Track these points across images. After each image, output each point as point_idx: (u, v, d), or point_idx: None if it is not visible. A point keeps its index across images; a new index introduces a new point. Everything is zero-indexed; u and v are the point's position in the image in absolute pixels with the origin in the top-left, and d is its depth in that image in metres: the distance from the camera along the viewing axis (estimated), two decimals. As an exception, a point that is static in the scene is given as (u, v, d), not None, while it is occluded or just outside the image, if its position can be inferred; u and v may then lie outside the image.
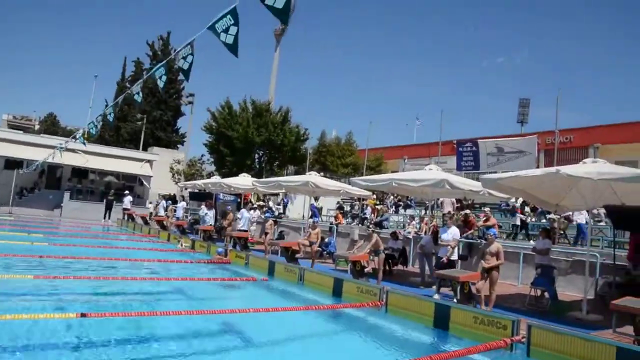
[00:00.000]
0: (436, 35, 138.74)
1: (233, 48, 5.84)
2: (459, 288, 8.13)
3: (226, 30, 5.84)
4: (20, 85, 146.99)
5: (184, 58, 7.38)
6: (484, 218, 14.83)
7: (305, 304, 9.28)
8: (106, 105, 55.25)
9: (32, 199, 31.16)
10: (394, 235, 14.26)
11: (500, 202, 19.02)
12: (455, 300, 8.27)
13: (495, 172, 18.57)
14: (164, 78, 8.47)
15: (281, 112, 37.51)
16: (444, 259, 9.98)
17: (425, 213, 18.99)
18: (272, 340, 6.83)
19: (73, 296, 8.17)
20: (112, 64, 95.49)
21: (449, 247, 9.89)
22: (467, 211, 15.76)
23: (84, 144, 13.34)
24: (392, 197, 25.95)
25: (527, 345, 6.41)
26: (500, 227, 17.50)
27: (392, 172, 46.38)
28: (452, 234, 10.09)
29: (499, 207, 20.43)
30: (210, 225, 20.33)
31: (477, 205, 20.24)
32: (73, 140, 15.09)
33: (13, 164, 29.72)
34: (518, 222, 16.42)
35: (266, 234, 16.99)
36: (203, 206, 21.39)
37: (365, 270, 11.35)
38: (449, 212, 12.78)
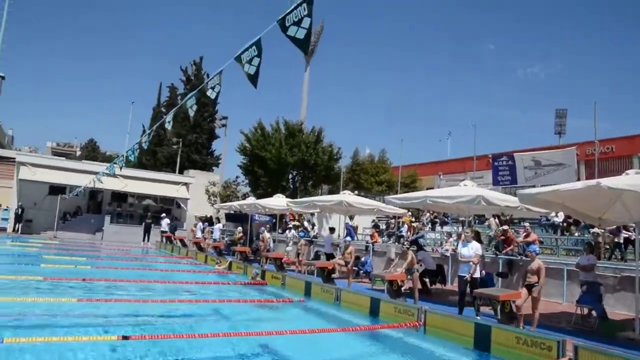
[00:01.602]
0: (467, 47, 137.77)
1: (253, 79, 5.95)
2: (499, 307, 7.92)
3: (250, 61, 5.96)
4: (62, 114, 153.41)
5: (212, 88, 7.61)
6: (524, 234, 14.49)
7: (342, 325, 9.21)
8: (143, 132, 56.87)
9: (75, 223, 32.17)
10: (418, 249, 14.18)
11: (540, 217, 18.55)
12: (496, 320, 8.06)
13: (534, 186, 18.20)
14: (195, 107, 8.75)
15: (314, 132, 37.77)
16: (467, 277, 9.45)
17: (463, 229, 18.70)
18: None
19: (115, 318, 8.37)
20: (148, 90, 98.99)
21: (471, 263, 9.41)
22: (506, 227, 15.42)
23: (113, 174, 13.84)
24: (428, 214, 25.64)
25: (573, 367, 6.17)
26: (541, 242, 17.06)
27: (427, 188, 46.02)
28: (473, 249, 9.52)
29: (539, 221, 19.92)
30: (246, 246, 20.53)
31: (517, 220, 19.79)
32: (113, 166, 15.66)
33: (57, 189, 30.87)
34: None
35: (299, 254, 17.02)
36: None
37: (403, 289, 11.22)
38: (469, 226, 12.42)
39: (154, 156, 47.82)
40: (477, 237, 12.08)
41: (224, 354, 6.67)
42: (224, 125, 43.69)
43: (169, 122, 10.00)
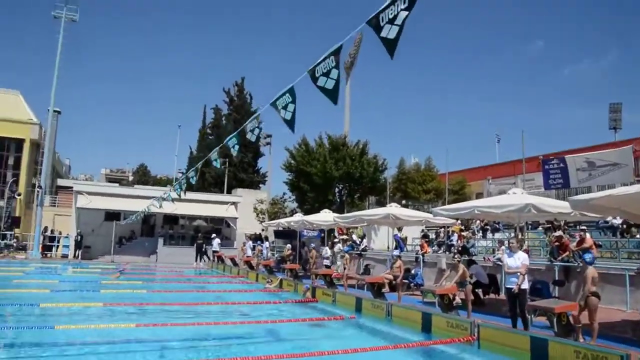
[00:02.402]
0: (512, 46, 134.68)
1: (290, 124, 6.26)
2: (555, 320, 7.70)
3: (285, 107, 6.24)
4: (114, 140, 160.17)
5: (252, 131, 7.94)
6: (578, 240, 14.00)
7: (394, 342, 9.18)
8: (190, 154, 58.39)
9: (130, 247, 33.51)
10: (470, 263, 13.93)
11: (598, 220, 17.86)
12: (553, 332, 7.84)
13: (589, 187, 17.55)
14: (237, 147, 9.13)
15: (358, 146, 37.88)
16: (514, 288, 9.10)
17: (515, 236, 18.25)
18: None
19: (172, 343, 8.66)
20: (193, 113, 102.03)
21: (519, 274, 9.13)
22: (560, 233, 14.93)
23: (172, 200, 14.49)
24: (478, 221, 25.14)
25: (640, 383, 5.92)
26: (599, 246, 16.42)
27: (477, 194, 45.17)
28: (520, 259, 9.22)
29: (596, 224, 19.17)
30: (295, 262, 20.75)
31: (572, 224, 19.12)
32: (165, 195, 16.45)
33: (112, 215, 32.31)
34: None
35: (344, 268, 17.03)
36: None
37: (454, 303, 11.07)
38: (515, 236, 12.04)
39: (201, 177, 49.09)
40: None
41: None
42: (268, 144, 44.41)
43: (215, 159, 10.46)
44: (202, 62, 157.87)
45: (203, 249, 31.07)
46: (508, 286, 9.15)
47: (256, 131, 7.82)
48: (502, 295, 14.23)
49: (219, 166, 10.88)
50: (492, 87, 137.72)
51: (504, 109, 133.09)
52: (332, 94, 5.26)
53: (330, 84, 5.26)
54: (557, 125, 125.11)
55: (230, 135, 9.30)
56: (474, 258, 16.16)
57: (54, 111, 34.92)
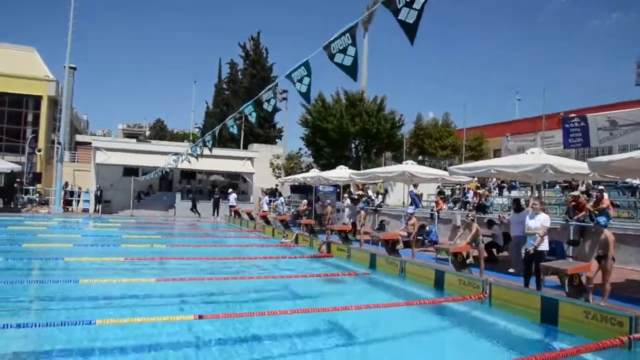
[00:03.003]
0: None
1: (306, 96, 6.31)
2: (567, 281, 7.76)
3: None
4: (131, 95, 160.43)
5: (268, 101, 7.92)
6: (595, 199, 13.88)
7: (407, 299, 9.40)
8: (207, 108, 58.29)
9: (148, 201, 34.06)
10: (490, 225, 13.91)
11: (616, 180, 17.64)
12: (564, 293, 7.90)
13: (610, 147, 17.22)
14: (254, 114, 9.16)
15: (375, 101, 37.48)
16: (530, 249, 9.03)
17: (531, 194, 18.14)
18: (374, 337, 7.06)
19: (190, 297, 8.96)
20: (209, 67, 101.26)
21: (537, 236, 9.09)
22: (577, 192, 14.79)
23: (196, 155, 14.62)
24: (494, 179, 25.01)
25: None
26: (617, 206, 16.29)
27: (495, 150, 44.69)
28: (540, 220, 9.08)
29: (615, 184, 18.94)
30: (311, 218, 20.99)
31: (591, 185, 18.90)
32: (182, 157, 16.63)
33: (130, 171, 32.73)
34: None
35: (361, 225, 17.15)
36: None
37: (467, 260, 11.18)
38: (537, 197, 11.89)
39: (219, 132, 49.30)
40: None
41: (293, 330, 7.02)
42: (284, 99, 44.13)
43: (232, 126, 10.50)
44: (217, 15, 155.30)
45: (219, 204, 31.59)
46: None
47: (272, 101, 7.81)
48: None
49: (235, 132, 10.92)
50: (513, 41, 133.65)
51: (525, 64, 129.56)
52: (351, 71, 5.22)
53: (348, 61, 5.20)
54: (580, 82, 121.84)
55: (246, 104, 9.32)
56: (490, 217, 16.15)
57: (70, 67, 34.88)
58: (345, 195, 24.00)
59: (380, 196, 28.78)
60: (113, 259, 12.79)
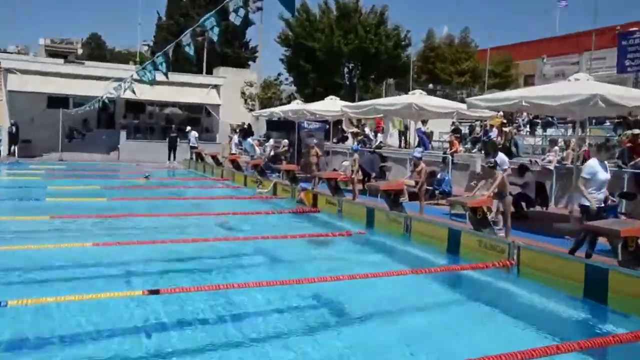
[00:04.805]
0: None
1: (289, 4, 6.61)
2: (620, 245, 7.67)
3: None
4: (57, 5, 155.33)
5: (236, 11, 7.53)
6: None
7: (414, 266, 9.30)
8: (158, 19, 56.66)
9: (83, 142, 33.24)
10: (520, 170, 13.78)
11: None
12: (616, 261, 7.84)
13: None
14: (217, 30, 8.64)
15: (374, 12, 36.73)
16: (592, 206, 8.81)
17: (573, 134, 18.04)
18: (371, 315, 6.98)
19: (138, 266, 8.84)
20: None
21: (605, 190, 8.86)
22: (638, 131, 14.55)
23: (149, 84, 13.90)
24: (525, 114, 24.86)
25: None
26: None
27: (526, 76, 44.46)
28: (609, 170, 9.00)
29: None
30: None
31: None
32: (131, 80, 15.83)
33: (57, 101, 31.47)
34: None
35: (352, 171, 16.95)
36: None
37: (490, 218, 11.10)
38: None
39: (174, 52, 48.11)
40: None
41: (269, 307, 6.98)
42: (259, 9, 42.85)
43: (188, 44, 10.09)
44: None
45: (177, 144, 31.17)
46: (585, 204, 8.89)
47: (242, 12, 7.37)
48: (552, 208, 14.34)
49: (192, 52, 10.41)
50: None
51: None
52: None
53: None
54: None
55: (207, 15, 8.80)
56: (521, 161, 16.01)
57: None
58: (351, 131, 23.82)
59: (392, 133, 28.68)
60: (35, 218, 12.46)
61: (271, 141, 27.18)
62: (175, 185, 22.60)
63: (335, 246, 11.27)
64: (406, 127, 29.22)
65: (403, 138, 29.37)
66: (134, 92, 15.49)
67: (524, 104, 11.65)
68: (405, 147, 26.14)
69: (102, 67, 37.83)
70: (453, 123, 26.07)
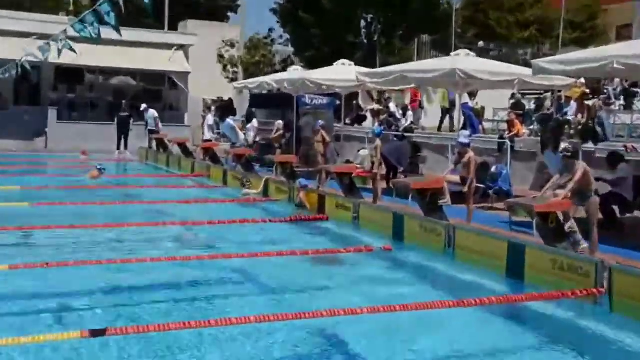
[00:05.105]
0: None
1: None
2: None
3: None
4: None
5: None
6: None
7: (458, 295, 9.19)
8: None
9: (-3, 122, 33.30)
10: (612, 161, 13.70)
11: None
12: None
13: None
14: None
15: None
16: None
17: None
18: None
19: (77, 297, 8.80)
20: None
21: None
22: None
23: (94, 40, 13.71)
24: (617, 80, 24.75)
25: None
26: None
27: (619, 27, 44.21)
28: None
29: None
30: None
31: None
32: (64, 38, 15.66)
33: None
34: None
35: (372, 164, 16.87)
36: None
37: (567, 227, 11.03)
38: None
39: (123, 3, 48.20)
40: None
41: (260, 352, 7.04)
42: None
43: None
44: None
45: (129, 127, 31.14)
46: None
47: None
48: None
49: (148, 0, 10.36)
50: None
51: None
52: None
53: None
54: None
55: None
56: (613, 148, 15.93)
57: None
58: (370, 108, 23.78)
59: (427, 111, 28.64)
60: None
61: (255, 122, 26.67)
62: (127, 184, 22.60)
63: (350, 267, 11.24)
64: (452, 103, 28.74)
65: (443, 117, 29.05)
66: (73, 50, 15.26)
67: (615, 66, 11.59)
68: (450, 130, 25.93)
69: (18, 19, 37.72)
70: (513, 95, 26.09)
